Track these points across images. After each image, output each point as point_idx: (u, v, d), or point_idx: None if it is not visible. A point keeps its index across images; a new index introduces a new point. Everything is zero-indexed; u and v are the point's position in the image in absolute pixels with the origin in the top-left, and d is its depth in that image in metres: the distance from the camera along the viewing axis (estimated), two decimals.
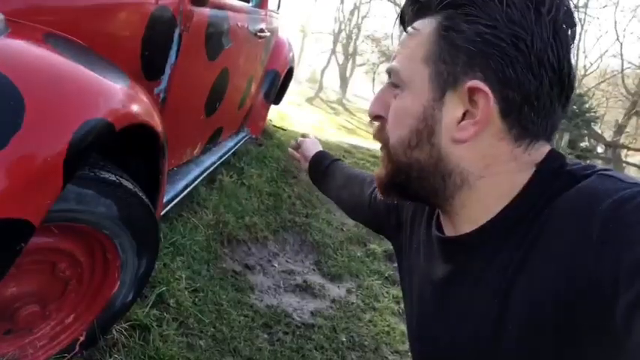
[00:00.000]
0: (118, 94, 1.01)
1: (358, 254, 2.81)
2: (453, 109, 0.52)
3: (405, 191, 0.61)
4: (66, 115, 0.84)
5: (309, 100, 17.91)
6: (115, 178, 1.05)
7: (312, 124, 9.55)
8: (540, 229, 0.49)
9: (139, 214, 1.15)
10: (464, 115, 0.52)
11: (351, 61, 22.97)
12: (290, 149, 1.31)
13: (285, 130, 4.18)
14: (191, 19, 1.57)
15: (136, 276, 1.25)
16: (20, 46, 0.86)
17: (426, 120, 0.54)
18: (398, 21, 0.62)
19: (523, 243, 0.50)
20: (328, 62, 22.24)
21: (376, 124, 0.62)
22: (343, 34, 22.71)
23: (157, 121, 1.20)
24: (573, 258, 0.44)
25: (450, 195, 0.56)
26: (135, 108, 1.06)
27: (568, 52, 0.51)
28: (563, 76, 0.51)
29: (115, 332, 1.32)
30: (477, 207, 0.55)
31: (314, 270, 2.54)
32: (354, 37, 22.61)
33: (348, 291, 2.43)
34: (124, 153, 1.32)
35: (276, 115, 5.83)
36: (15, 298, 1.02)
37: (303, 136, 1.29)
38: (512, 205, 0.52)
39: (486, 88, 0.49)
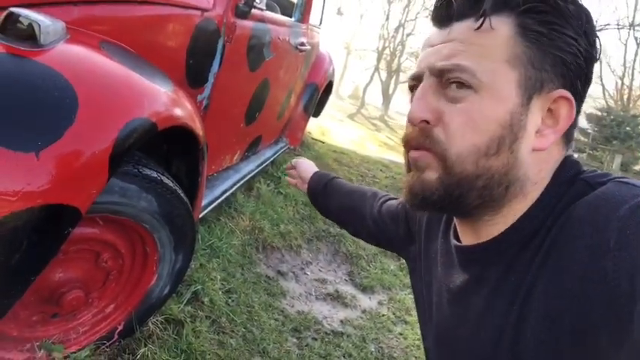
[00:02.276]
0: (162, 98, 1.09)
1: (391, 267, 2.81)
2: (535, 115, 0.52)
3: (453, 204, 0.55)
4: (114, 113, 0.92)
5: (351, 116, 18.01)
6: (156, 175, 1.12)
7: (352, 139, 9.59)
8: (557, 236, 0.49)
9: (178, 211, 1.22)
10: (541, 122, 0.53)
11: (394, 78, 22.96)
12: (287, 171, 1.27)
13: (323, 142, 4.23)
14: (234, 31, 1.66)
15: (172, 270, 1.32)
16: (77, 50, 0.95)
17: (512, 126, 0.51)
18: (443, 11, 0.55)
19: (540, 249, 0.50)
20: (371, 79, 22.33)
21: (412, 128, 0.56)
22: (387, 51, 22.79)
23: (197, 125, 1.28)
24: (591, 264, 0.44)
25: (505, 203, 0.54)
26: (177, 111, 1.14)
27: None
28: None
29: (150, 324, 1.39)
30: (512, 213, 0.55)
31: (346, 280, 2.56)
32: (397, 54, 22.65)
33: (380, 303, 2.43)
34: (167, 155, 1.41)
35: (317, 129, 5.93)
36: (61, 283, 1.10)
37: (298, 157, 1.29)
38: (530, 212, 0.53)
39: (572, 98, 0.52)
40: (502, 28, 0.51)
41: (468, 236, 0.61)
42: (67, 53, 0.92)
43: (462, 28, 0.53)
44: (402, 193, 0.60)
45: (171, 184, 1.18)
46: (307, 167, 1.18)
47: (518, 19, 0.51)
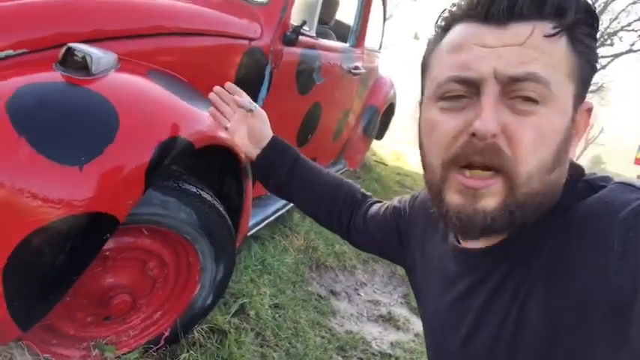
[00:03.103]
0: (200, 119, 1.19)
1: None
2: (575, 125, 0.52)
3: (510, 229, 0.52)
4: (151, 133, 1.02)
5: None
6: (195, 190, 1.22)
7: None
8: (559, 238, 0.49)
9: (216, 224, 1.30)
10: None
11: None
12: (215, 96, 1.02)
13: (386, 165, 4.23)
14: (281, 58, 1.76)
15: (214, 281, 1.40)
16: (124, 78, 1.08)
17: (567, 140, 0.49)
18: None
19: (543, 251, 0.50)
20: None
21: (465, 142, 0.50)
22: None
23: None
24: (594, 265, 0.44)
25: (540, 215, 0.52)
26: (215, 131, 1.23)
27: None
28: None
29: (195, 332, 1.47)
30: None
31: (401, 303, 2.51)
32: None
33: None
34: (219, 174, 1.51)
35: (392, 153, 5.91)
36: (110, 288, 1.22)
37: None
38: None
39: (592, 107, 0.53)
40: (562, 37, 0.48)
41: (471, 240, 0.60)
42: (115, 81, 1.05)
43: (529, 31, 0.47)
44: (444, 217, 0.54)
45: (209, 198, 1.26)
46: (264, 126, 0.97)
47: (573, 27, 0.48)
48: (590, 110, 0.54)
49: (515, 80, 0.47)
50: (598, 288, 0.43)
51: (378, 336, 2.13)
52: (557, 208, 0.51)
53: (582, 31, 0.49)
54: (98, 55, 1.02)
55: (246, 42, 1.59)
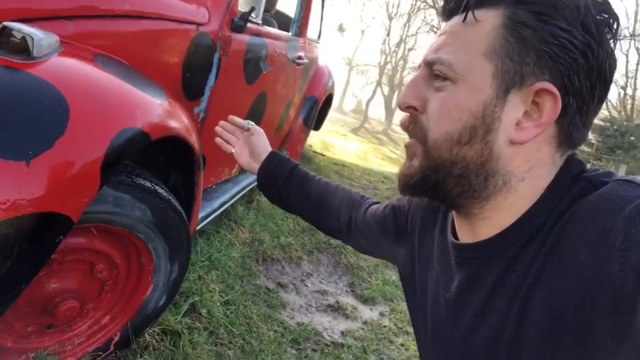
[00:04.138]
0: (156, 109, 1.11)
1: (393, 278, 2.79)
2: (515, 108, 0.51)
3: (434, 190, 0.57)
4: (105, 123, 0.93)
5: (354, 131, 18.07)
6: (150, 185, 1.14)
7: (356, 153, 9.61)
8: (560, 235, 0.49)
9: (172, 221, 1.23)
10: (523, 115, 0.52)
11: (396, 93, 23.07)
12: (220, 129, 1.05)
13: (324, 155, 4.25)
14: (230, 45, 1.69)
15: (168, 281, 1.33)
16: (70, 62, 0.97)
17: (484, 117, 0.51)
18: (443, 7, 0.58)
19: (543, 248, 0.50)
20: (374, 94, 22.46)
21: (404, 114, 0.59)
22: (389, 66, 22.97)
23: (193, 136, 1.29)
24: (596, 263, 0.44)
25: (488, 196, 0.54)
26: (171, 122, 1.15)
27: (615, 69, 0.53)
28: (606, 93, 0.53)
29: (147, 336, 1.39)
30: (507, 211, 0.54)
31: (347, 292, 2.54)
32: (399, 69, 22.81)
33: (381, 314, 2.41)
34: (165, 167, 1.42)
35: (321, 144, 5.95)
36: (56, 294, 1.11)
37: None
38: (533, 211, 0.53)
39: (556, 92, 0.49)
40: (489, 20, 0.52)
41: (465, 234, 0.60)
42: (60, 65, 0.94)
43: (454, 21, 0.55)
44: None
45: (165, 193, 1.19)
46: (263, 142, 1.01)
47: (508, 10, 0.51)
48: (550, 93, 0.50)
49: (430, 64, 0.55)
50: (600, 286, 0.43)
51: (329, 326, 2.14)
52: (557, 203, 0.51)
53: (522, 10, 0.50)
54: (39, 36, 0.91)
55: (193, 27, 1.50)
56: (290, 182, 0.94)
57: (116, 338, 1.30)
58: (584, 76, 0.50)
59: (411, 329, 2.33)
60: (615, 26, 0.51)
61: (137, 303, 1.31)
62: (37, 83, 0.86)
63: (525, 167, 0.53)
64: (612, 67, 0.51)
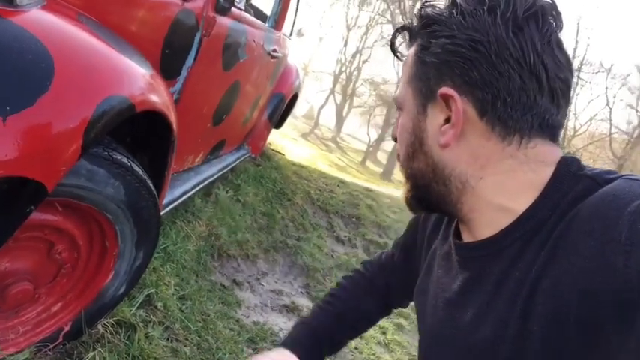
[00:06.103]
0: (143, 79, 1.02)
1: None
2: (434, 118, 0.57)
3: (424, 202, 0.63)
4: (92, 86, 0.85)
5: (304, 136, 18.11)
6: (126, 162, 1.04)
7: (305, 158, 9.60)
8: (564, 233, 0.48)
9: (145, 203, 1.13)
10: (445, 122, 0.56)
11: (348, 102, 23.39)
12: None
13: (282, 154, 4.19)
14: (212, 26, 1.61)
15: (130, 268, 1.23)
16: (54, 18, 0.87)
17: (415, 132, 0.59)
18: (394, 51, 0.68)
19: (545, 246, 0.50)
20: (326, 101, 22.65)
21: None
22: (343, 76, 23.24)
23: (172, 115, 1.21)
24: (601, 259, 0.44)
25: (457, 200, 0.57)
26: (155, 96, 1.07)
27: (539, 45, 0.51)
28: (535, 69, 0.51)
29: (100, 327, 1.28)
30: (488, 210, 0.55)
31: (302, 293, 2.50)
32: (353, 79, 23.14)
33: None
34: (132, 146, 1.32)
35: (269, 144, 5.87)
36: (7, 274, 0.99)
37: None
38: (535, 207, 0.52)
39: (453, 92, 0.53)
40: (411, 53, 0.60)
41: (467, 236, 0.61)
42: (45, 18, 0.84)
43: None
44: None
45: (141, 172, 1.10)
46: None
47: (419, 40, 0.58)
48: (446, 95, 0.54)
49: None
50: (605, 282, 0.43)
51: (284, 326, 2.08)
52: (559, 201, 0.51)
53: (422, 38, 0.57)
54: None
55: (179, 2, 1.41)
56: (328, 339, 0.84)
57: (67, 328, 1.19)
58: (486, 68, 0.51)
59: (364, 333, 2.33)
60: (504, 10, 0.51)
61: (94, 290, 1.20)
62: (20, 33, 0.76)
63: (476, 166, 0.55)
64: (522, 46, 0.51)
